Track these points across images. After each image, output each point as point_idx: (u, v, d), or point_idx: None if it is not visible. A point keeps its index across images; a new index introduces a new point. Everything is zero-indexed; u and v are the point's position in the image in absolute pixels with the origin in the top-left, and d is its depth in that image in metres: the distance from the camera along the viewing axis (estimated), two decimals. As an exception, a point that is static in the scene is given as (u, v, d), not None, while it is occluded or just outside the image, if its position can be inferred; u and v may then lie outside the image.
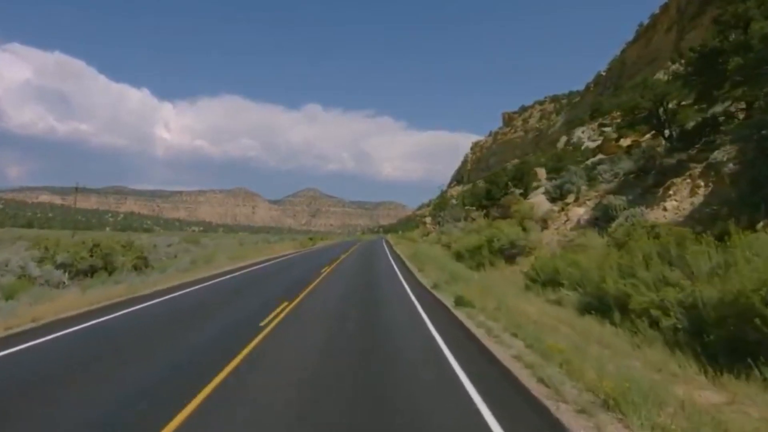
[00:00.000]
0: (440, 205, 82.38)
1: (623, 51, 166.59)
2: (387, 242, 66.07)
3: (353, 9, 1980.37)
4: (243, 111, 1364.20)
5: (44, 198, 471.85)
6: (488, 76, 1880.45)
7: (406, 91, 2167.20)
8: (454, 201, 68.64)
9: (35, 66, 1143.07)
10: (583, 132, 78.53)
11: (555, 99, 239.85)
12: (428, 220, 71.50)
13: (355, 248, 47.33)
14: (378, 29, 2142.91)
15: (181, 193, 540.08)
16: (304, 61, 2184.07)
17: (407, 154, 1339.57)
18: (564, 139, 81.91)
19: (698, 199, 16.61)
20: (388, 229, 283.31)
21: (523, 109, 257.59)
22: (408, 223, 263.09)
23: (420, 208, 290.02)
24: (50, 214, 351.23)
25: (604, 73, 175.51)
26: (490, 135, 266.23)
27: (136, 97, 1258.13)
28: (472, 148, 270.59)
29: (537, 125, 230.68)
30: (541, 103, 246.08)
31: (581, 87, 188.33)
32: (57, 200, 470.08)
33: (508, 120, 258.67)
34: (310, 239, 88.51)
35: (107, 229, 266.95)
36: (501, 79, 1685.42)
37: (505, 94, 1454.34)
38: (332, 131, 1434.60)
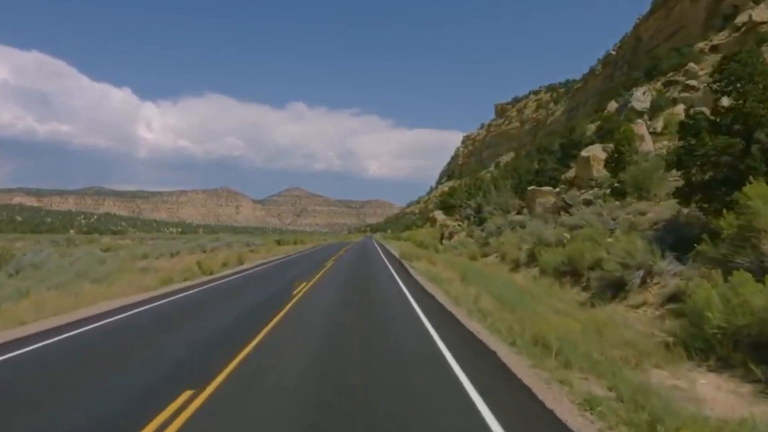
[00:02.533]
0: (452, 195, 59.02)
1: (636, 26, 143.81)
2: (389, 254, 37.05)
3: (338, 6, 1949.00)
4: (227, 110, 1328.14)
5: (19, 199, 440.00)
6: (475, 74, 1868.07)
7: (392, 88, 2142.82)
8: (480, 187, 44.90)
9: (13, 66, 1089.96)
10: (644, 93, 56.06)
11: (551, 88, 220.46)
12: (438, 214, 48.45)
13: (322, 277, 20.62)
14: (363, 26, 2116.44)
15: (162, 193, 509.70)
16: (288, 59, 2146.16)
17: (394, 152, 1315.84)
18: (613, 104, 59.16)
19: None
20: (376, 228, 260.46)
21: (517, 100, 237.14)
22: (397, 222, 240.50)
23: (410, 205, 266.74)
24: (18, 217, 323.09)
25: (614, 53, 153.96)
26: (482, 127, 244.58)
27: (117, 97, 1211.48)
28: (463, 142, 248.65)
29: (534, 115, 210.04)
30: (536, 93, 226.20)
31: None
32: (33, 202, 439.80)
33: (501, 111, 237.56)
34: (278, 243, 64.27)
35: (71, 231, 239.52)
36: (488, 76, 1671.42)
37: (493, 92, 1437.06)
38: (318, 130, 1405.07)
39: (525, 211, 25.89)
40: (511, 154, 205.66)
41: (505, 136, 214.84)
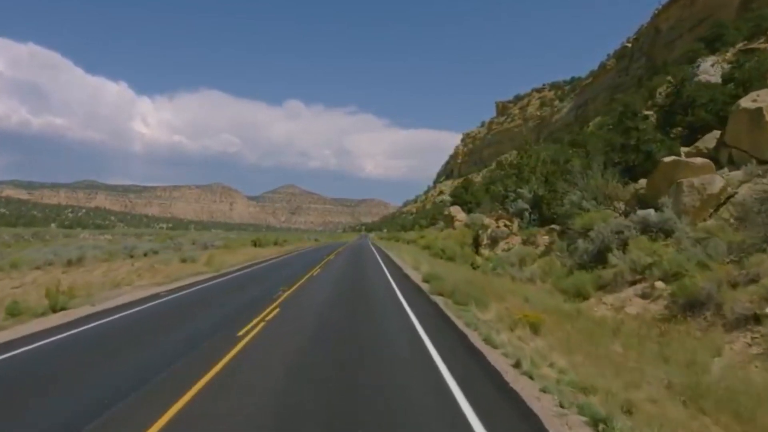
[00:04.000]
0: (466, 189, 46.25)
1: (655, 17, 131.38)
2: (403, 276, 20.30)
3: (335, 5, 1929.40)
4: (223, 106, 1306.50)
5: (9, 192, 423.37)
6: (471, 74, 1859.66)
7: (388, 88, 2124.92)
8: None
9: (8, 57, 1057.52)
10: (713, 65, 43.68)
11: (555, 86, 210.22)
12: (456, 211, 35.52)
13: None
14: (361, 26, 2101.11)
15: (155, 188, 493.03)
16: (285, 57, 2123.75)
17: (389, 152, 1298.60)
18: (664, 89, 46.41)
19: None
20: (371, 228, 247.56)
21: (518, 97, 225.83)
22: (393, 221, 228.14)
23: (406, 204, 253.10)
24: (2, 209, 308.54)
25: (629, 45, 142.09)
26: (483, 125, 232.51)
27: (113, 91, 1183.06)
28: (463, 140, 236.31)
29: (537, 113, 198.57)
30: (539, 90, 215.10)
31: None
32: (23, 195, 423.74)
33: (502, 109, 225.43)
34: (254, 244, 51.45)
35: (52, 225, 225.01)
36: (484, 77, 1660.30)
37: (489, 93, 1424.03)
38: (314, 128, 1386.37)
39: (667, 201, 13.13)
40: (514, 153, 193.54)
41: (507, 134, 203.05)
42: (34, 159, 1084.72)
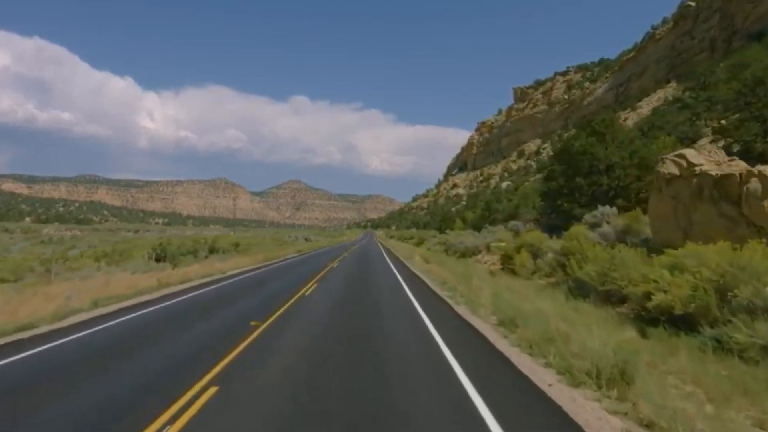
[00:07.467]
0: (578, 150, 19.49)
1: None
2: None
3: (342, 4, 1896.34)
4: (229, 102, 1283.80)
5: (8, 186, 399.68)
6: (476, 73, 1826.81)
7: (395, 84, 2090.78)
8: None
9: (14, 52, 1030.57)
10: None
11: (582, 67, 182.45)
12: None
13: None
14: (367, 21, 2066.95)
15: (157, 183, 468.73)
16: (291, 52, 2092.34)
17: (395, 148, 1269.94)
18: None
19: None
20: (377, 224, 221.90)
21: (539, 82, 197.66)
22: (401, 218, 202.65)
23: (416, 199, 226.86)
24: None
25: (693, 3, 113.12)
26: (499, 113, 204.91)
27: (119, 86, 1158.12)
28: (477, 129, 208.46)
29: (565, 96, 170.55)
30: (563, 73, 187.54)
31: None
32: (23, 189, 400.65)
33: (521, 96, 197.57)
34: (153, 258, 24.11)
35: (27, 219, 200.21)
36: (487, 75, 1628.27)
37: (495, 91, 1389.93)
38: (319, 124, 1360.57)
39: None
40: (538, 141, 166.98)
41: (530, 121, 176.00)
42: (38, 154, 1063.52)
